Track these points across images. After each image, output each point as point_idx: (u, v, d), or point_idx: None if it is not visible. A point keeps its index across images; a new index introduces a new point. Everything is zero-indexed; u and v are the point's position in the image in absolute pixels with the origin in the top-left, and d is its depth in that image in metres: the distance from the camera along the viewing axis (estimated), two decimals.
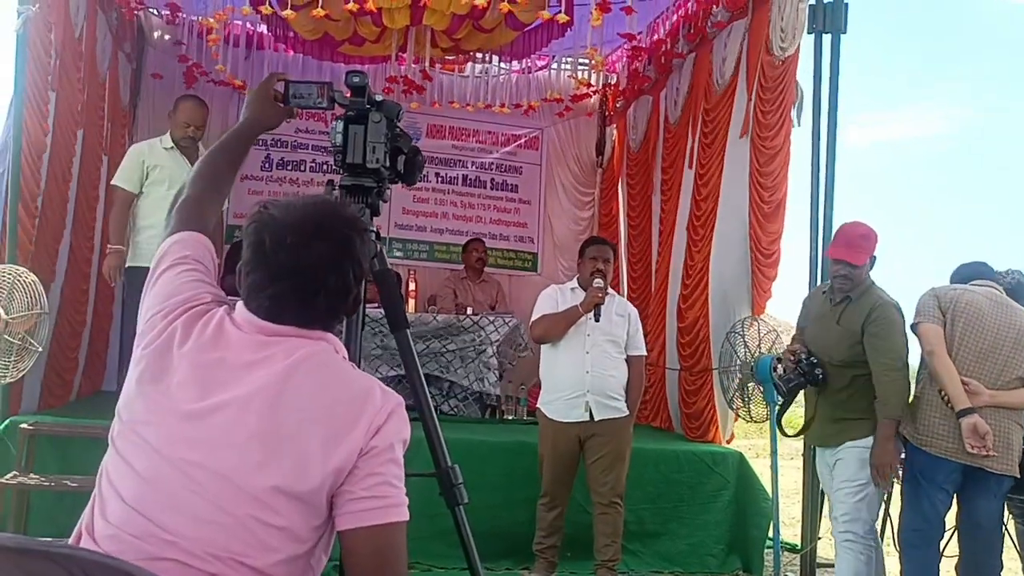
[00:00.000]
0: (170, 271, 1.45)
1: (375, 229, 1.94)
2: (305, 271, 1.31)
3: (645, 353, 4.10)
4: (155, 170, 4.33)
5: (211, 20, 5.42)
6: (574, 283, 4.02)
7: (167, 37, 6.49)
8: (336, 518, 1.24)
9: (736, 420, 5.03)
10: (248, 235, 1.35)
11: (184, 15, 6.27)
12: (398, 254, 7.06)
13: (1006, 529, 3.42)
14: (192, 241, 1.50)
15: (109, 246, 4.40)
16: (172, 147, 4.39)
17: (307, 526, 1.23)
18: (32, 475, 3.81)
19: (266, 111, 1.77)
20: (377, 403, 1.28)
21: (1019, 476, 3.17)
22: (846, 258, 3.33)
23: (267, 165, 7.00)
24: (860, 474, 3.28)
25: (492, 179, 7.52)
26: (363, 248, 1.38)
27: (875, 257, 3.39)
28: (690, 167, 5.44)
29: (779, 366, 3.81)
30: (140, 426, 1.26)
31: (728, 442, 5.02)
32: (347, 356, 1.41)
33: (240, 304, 1.37)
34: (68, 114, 4.61)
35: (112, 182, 4.47)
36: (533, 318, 3.99)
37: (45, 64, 4.30)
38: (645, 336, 4.22)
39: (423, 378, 1.97)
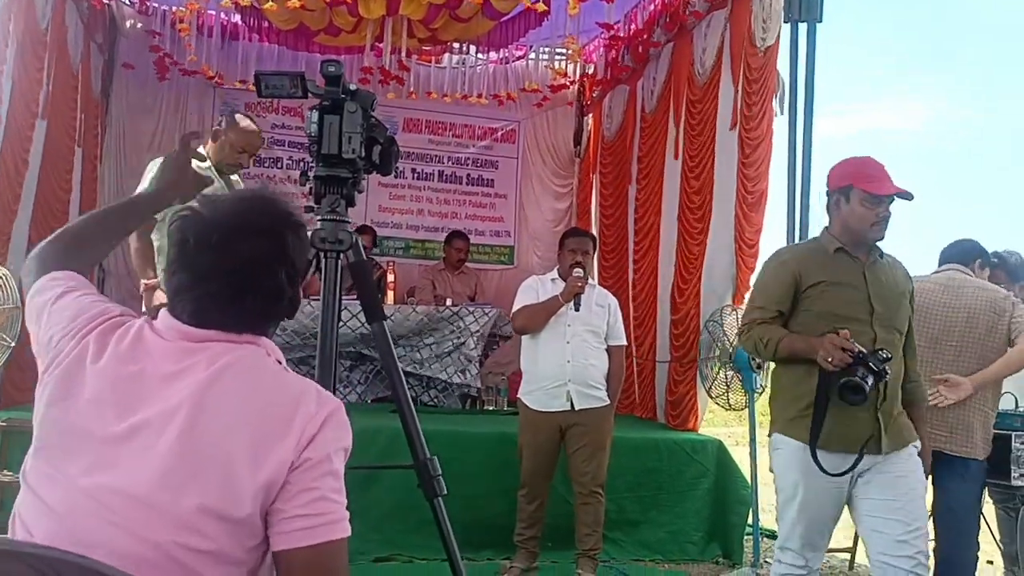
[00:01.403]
0: (65, 297, 1.32)
1: (353, 223, 1.93)
2: (233, 271, 1.23)
3: (625, 343, 4.10)
4: None
5: (184, 10, 5.33)
6: (554, 274, 4.01)
7: (139, 26, 6.40)
8: (270, 537, 1.14)
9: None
10: (171, 234, 1.27)
11: (156, 4, 6.19)
12: (374, 251, 7.01)
13: (983, 516, 3.46)
14: (69, 275, 1.38)
15: (143, 281, 3.51)
16: (210, 167, 3.56)
17: (241, 547, 1.13)
18: (6, 472, 3.75)
19: (183, 181, 1.68)
20: (311, 409, 1.18)
21: (990, 460, 3.21)
22: (898, 192, 2.57)
23: None
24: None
25: (468, 174, 7.48)
26: (299, 245, 1.30)
27: None
28: (675, 157, 5.43)
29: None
30: (55, 453, 1.16)
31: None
32: (283, 360, 1.31)
33: (163, 311, 1.27)
34: (24, 104, 4.49)
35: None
36: (514, 309, 3.98)
37: (1, 52, 4.20)
38: (628, 327, 4.20)
39: (400, 369, 1.96)
